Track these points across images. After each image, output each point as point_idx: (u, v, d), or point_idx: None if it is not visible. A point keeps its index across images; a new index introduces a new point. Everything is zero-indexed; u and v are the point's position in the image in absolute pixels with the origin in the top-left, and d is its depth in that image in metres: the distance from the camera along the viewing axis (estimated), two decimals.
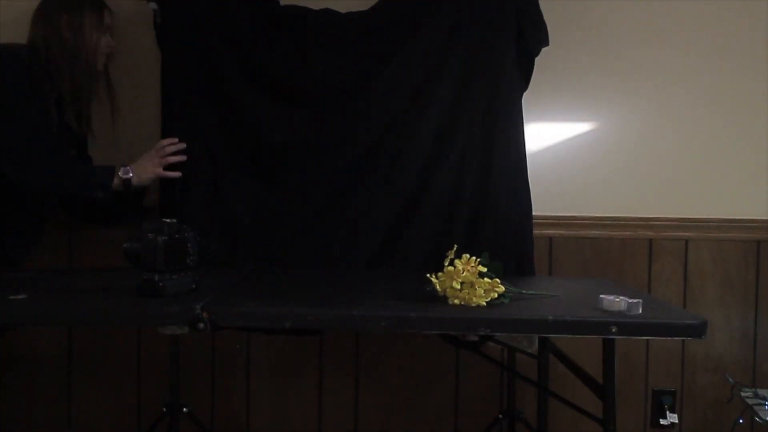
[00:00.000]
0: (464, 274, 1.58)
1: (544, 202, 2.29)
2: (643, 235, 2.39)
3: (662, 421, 2.17)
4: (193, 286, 1.70)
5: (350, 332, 2.40)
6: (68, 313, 1.62)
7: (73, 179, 2.07)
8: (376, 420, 2.44)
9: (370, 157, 2.25)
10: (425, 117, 2.24)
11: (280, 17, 2.29)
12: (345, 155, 2.26)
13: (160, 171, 2.14)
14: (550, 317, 1.51)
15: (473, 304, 1.56)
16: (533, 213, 2.26)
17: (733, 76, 2.38)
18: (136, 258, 1.63)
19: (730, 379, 2.27)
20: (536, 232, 2.28)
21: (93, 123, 2.22)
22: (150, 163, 2.13)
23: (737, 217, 2.38)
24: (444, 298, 1.61)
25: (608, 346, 1.60)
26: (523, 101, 2.27)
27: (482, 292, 1.57)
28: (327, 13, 2.29)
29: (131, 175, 2.09)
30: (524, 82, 2.28)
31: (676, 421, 2.34)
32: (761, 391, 2.18)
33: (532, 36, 2.22)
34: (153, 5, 2.24)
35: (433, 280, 1.63)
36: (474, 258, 1.61)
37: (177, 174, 2.18)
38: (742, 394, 2.21)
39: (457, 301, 1.58)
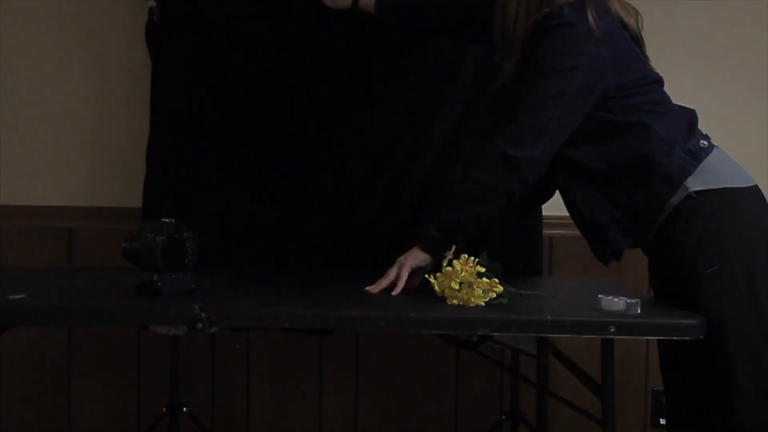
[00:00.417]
0: (462, 274, 1.58)
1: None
2: None
3: (662, 421, 2.16)
4: (192, 286, 1.70)
5: (350, 332, 2.40)
6: (68, 313, 1.61)
7: None
8: (376, 420, 2.45)
9: (383, 159, 2.26)
10: (436, 121, 2.24)
11: (287, 15, 2.28)
12: (356, 156, 2.26)
13: None
14: (549, 317, 1.51)
15: (472, 305, 1.56)
16: None
17: (733, 76, 2.38)
18: (135, 258, 1.63)
19: None
20: None
21: None
22: None
23: None
24: (443, 298, 1.61)
25: (607, 346, 1.60)
26: None
27: (480, 292, 1.57)
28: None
29: None
30: None
31: None
32: None
33: None
34: (152, 3, 2.22)
35: (432, 280, 1.63)
36: (472, 258, 1.60)
37: None
38: None
39: (455, 302, 1.58)
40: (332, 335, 2.38)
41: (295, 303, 1.62)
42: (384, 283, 1.68)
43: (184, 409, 2.29)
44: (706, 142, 1.67)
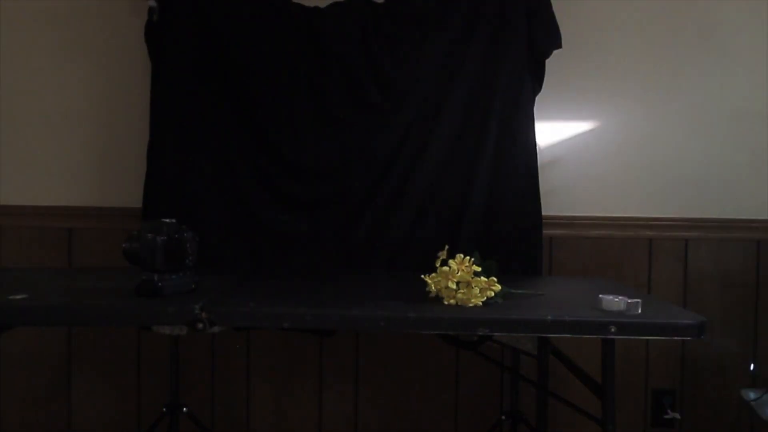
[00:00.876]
0: (459, 273, 1.58)
1: (544, 202, 2.29)
2: (643, 235, 2.39)
3: (666, 416, 2.16)
4: (192, 286, 1.70)
5: (350, 332, 2.40)
6: (68, 313, 1.61)
7: None
8: (376, 420, 2.45)
9: (388, 164, 2.26)
10: (438, 123, 2.24)
11: (291, 14, 2.28)
12: (364, 162, 2.27)
13: None
14: (549, 317, 1.51)
15: (470, 304, 1.56)
16: None
17: (734, 76, 2.38)
18: (136, 258, 1.64)
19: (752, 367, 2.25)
20: None
21: None
22: None
23: (737, 217, 2.38)
24: (441, 298, 1.61)
25: (607, 346, 1.60)
26: None
27: (478, 291, 1.57)
28: (337, 5, 2.29)
29: None
30: (537, 84, 2.28)
31: (678, 416, 2.34)
32: (761, 391, 2.18)
33: (543, 39, 2.22)
34: (152, 3, 2.23)
35: (428, 280, 1.63)
36: (468, 257, 1.60)
37: None
38: (742, 393, 2.21)
39: (452, 302, 1.58)
40: (333, 336, 2.38)
41: (295, 303, 1.62)
42: None
43: (184, 409, 2.29)
44: None
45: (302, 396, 2.45)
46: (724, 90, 2.39)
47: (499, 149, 2.25)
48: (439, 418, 2.44)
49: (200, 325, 1.51)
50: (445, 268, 1.60)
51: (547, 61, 2.27)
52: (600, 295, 1.57)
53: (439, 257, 1.64)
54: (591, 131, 2.40)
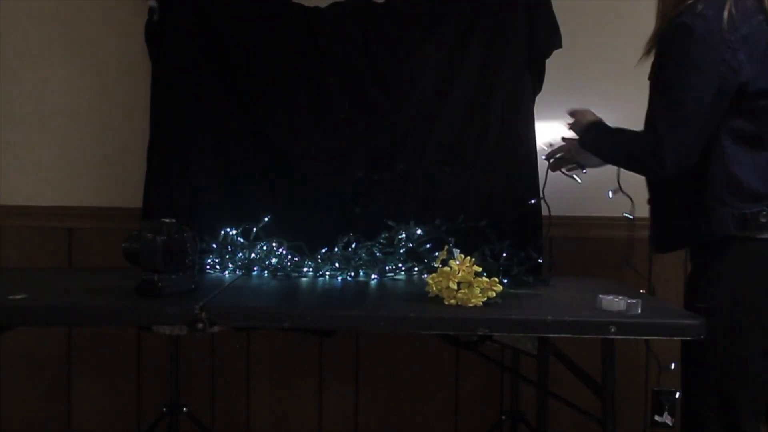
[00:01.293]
0: (460, 274, 1.58)
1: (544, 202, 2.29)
2: (643, 235, 2.38)
3: (657, 418, 2.16)
4: (192, 286, 1.70)
5: (350, 332, 2.40)
6: (68, 313, 1.62)
7: None
8: (376, 420, 2.45)
9: (388, 160, 2.26)
10: (438, 123, 2.24)
11: (291, 14, 2.28)
12: (364, 156, 2.26)
13: None
14: (549, 317, 1.51)
15: (471, 304, 1.56)
16: None
17: None
18: (136, 258, 1.64)
19: None
20: None
21: None
22: None
23: None
24: (441, 298, 1.61)
25: (607, 346, 1.60)
26: None
27: (479, 291, 1.57)
28: (337, 5, 2.29)
29: None
30: (537, 84, 2.28)
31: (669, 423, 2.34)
32: None
33: (543, 39, 2.23)
34: (152, 3, 2.22)
35: (429, 281, 1.63)
36: (469, 258, 1.60)
37: None
38: None
39: (453, 302, 1.58)
40: (333, 336, 2.38)
41: (295, 303, 1.62)
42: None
43: (184, 409, 2.29)
44: None
45: (302, 396, 2.45)
46: None
47: (499, 149, 2.25)
48: (439, 418, 2.44)
49: (200, 325, 1.52)
50: (446, 269, 1.60)
51: (549, 60, 2.27)
52: (600, 295, 1.58)
53: (438, 257, 1.64)
54: None
